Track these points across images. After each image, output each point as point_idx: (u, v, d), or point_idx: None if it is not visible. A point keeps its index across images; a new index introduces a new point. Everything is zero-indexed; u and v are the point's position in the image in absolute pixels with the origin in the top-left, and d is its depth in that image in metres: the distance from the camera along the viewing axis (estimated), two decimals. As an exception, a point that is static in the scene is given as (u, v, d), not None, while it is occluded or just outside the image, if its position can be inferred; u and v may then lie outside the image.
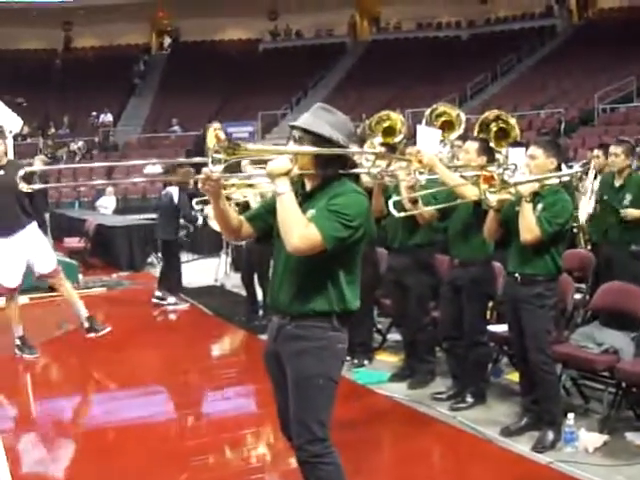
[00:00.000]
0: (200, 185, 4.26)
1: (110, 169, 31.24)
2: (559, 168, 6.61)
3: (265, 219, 4.53)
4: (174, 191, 12.73)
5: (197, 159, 4.60)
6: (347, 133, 4.41)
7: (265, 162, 4.27)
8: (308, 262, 4.22)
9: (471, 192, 6.99)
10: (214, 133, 4.09)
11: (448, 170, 7.24)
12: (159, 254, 15.45)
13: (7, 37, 43.85)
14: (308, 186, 4.44)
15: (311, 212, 4.24)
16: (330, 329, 4.36)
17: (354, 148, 4.95)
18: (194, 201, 12.26)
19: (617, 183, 8.52)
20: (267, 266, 10.57)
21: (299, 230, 4.10)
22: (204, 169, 4.15)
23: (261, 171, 4.45)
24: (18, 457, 6.63)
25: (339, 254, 4.24)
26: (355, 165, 4.54)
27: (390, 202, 7.58)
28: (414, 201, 7.49)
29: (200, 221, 13.23)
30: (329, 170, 4.34)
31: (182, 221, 13.43)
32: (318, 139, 4.29)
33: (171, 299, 13.03)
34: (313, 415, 4.34)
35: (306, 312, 4.34)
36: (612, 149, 8.61)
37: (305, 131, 4.33)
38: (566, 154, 10.10)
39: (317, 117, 4.36)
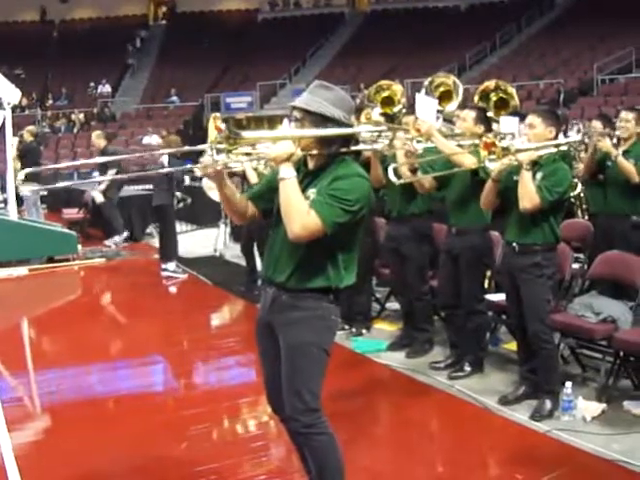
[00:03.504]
0: (201, 173, 4.28)
1: (108, 139, 31.13)
2: (557, 138, 6.61)
3: (269, 197, 4.49)
4: (164, 158, 12.80)
5: (201, 147, 4.60)
6: (347, 109, 4.38)
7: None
8: (308, 241, 4.21)
9: (468, 160, 7.00)
10: (214, 124, 4.08)
11: (445, 139, 7.24)
12: (157, 224, 15.46)
13: (4, 9, 43.68)
14: (311, 165, 4.41)
15: (312, 191, 4.23)
16: (326, 301, 4.37)
17: (355, 123, 4.93)
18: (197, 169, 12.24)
19: (621, 150, 8.40)
20: (267, 236, 10.60)
21: (300, 218, 4.08)
22: (201, 159, 4.16)
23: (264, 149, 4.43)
24: (17, 426, 6.65)
25: (338, 234, 4.22)
26: (358, 141, 4.53)
27: (390, 169, 7.59)
28: (413, 170, 7.51)
29: (187, 182, 13.21)
30: (332, 148, 4.32)
31: (179, 194, 13.45)
32: (319, 118, 4.26)
33: (170, 265, 13.04)
34: (306, 385, 4.35)
35: (303, 288, 4.34)
36: (623, 115, 8.50)
37: (306, 111, 4.29)
38: (564, 124, 10.01)
39: (316, 95, 4.32)
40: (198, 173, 11.82)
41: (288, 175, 4.13)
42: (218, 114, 4.18)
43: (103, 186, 15.73)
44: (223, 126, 4.04)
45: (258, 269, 11.40)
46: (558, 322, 6.89)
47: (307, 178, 4.32)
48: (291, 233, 4.13)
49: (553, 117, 6.57)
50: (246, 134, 4.14)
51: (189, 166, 4.16)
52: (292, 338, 4.36)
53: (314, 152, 4.33)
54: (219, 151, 4.09)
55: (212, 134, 4.07)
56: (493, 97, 8.68)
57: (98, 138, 16.42)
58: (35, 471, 5.74)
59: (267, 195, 4.52)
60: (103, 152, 15.65)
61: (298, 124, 4.32)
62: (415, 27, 39.95)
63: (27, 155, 16.49)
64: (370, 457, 5.74)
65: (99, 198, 15.67)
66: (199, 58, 40.46)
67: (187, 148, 12.61)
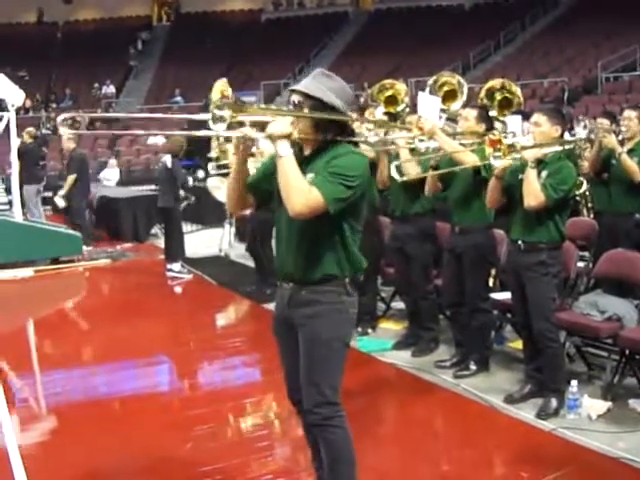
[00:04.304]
0: (235, 145, 4.30)
1: (113, 140, 31.20)
2: (563, 136, 6.60)
3: (264, 186, 4.49)
4: (167, 159, 12.85)
5: (202, 116, 4.56)
6: (347, 99, 4.39)
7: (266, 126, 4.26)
8: (313, 226, 4.21)
9: (470, 158, 7.00)
10: (220, 87, 4.07)
11: (448, 137, 7.24)
12: (162, 225, 15.49)
13: (8, 10, 43.69)
14: (306, 150, 4.42)
15: (310, 176, 4.23)
16: (344, 294, 4.39)
17: (354, 114, 4.94)
18: (210, 165, 12.20)
19: (625, 148, 8.40)
20: (268, 234, 10.64)
21: (301, 195, 4.08)
22: (243, 129, 4.15)
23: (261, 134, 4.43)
24: (24, 427, 6.66)
25: (342, 215, 4.24)
26: (354, 132, 4.54)
27: (392, 166, 7.60)
28: (435, 167, 7.50)
29: (191, 183, 13.17)
30: (328, 135, 4.33)
31: (182, 193, 13.44)
32: (318, 104, 4.27)
33: (176, 266, 13.05)
34: (326, 378, 4.37)
35: (319, 277, 4.35)
36: (626, 114, 8.50)
37: (305, 96, 4.30)
38: (570, 123, 9.97)
39: (318, 82, 4.33)
40: (232, 146, 11.76)
41: (285, 152, 4.13)
42: (225, 79, 4.18)
43: (63, 191, 15.69)
44: (230, 92, 4.03)
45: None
46: (563, 320, 6.88)
47: (303, 164, 4.29)
48: (292, 210, 4.12)
49: (559, 116, 6.57)
50: (250, 104, 4.16)
51: (217, 132, 4.14)
52: (312, 332, 4.36)
53: (310, 137, 4.33)
54: (216, 119, 4.08)
55: (216, 95, 4.05)
56: (498, 96, 8.69)
57: (68, 141, 16.39)
58: (41, 471, 5.75)
59: (262, 183, 4.53)
60: (71, 155, 15.59)
61: (297, 108, 4.34)
62: (419, 26, 39.95)
63: (24, 156, 16.47)
64: (376, 456, 5.74)
65: (61, 203, 15.61)
66: (203, 58, 40.45)
67: (188, 117, 12.58)
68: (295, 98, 4.35)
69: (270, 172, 4.36)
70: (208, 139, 9.42)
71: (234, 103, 4.08)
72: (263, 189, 4.52)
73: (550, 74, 31.42)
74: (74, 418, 6.97)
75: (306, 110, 4.29)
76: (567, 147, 6.70)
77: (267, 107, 4.49)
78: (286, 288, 4.50)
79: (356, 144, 4.52)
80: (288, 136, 4.14)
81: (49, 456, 6.13)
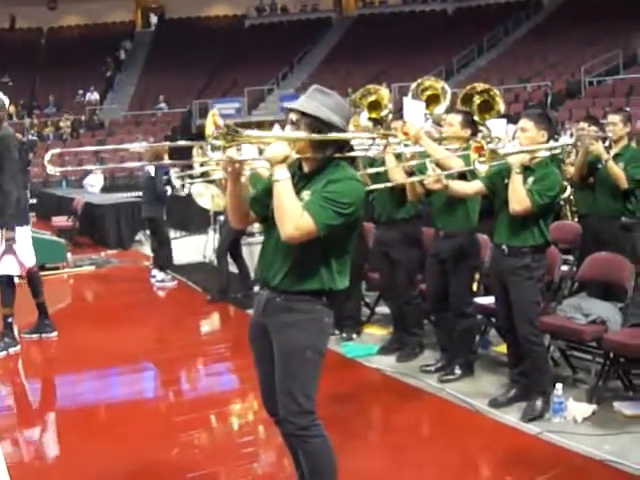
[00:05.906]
0: (222, 167, 4.30)
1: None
2: (549, 141, 6.60)
3: (264, 201, 4.45)
4: (151, 168, 12.79)
5: (193, 142, 4.60)
6: (344, 115, 4.39)
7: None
8: (300, 244, 4.20)
9: (456, 163, 7.00)
10: (212, 119, 4.09)
11: (434, 142, 7.25)
12: (147, 232, 15.46)
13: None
14: (306, 168, 4.42)
15: (306, 193, 4.24)
16: (319, 303, 4.37)
17: (350, 130, 4.95)
18: (172, 173, 12.15)
19: (612, 153, 8.39)
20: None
21: (294, 220, 4.08)
22: (228, 152, 4.15)
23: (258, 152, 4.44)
24: (8, 436, 6.63)
25: (332, 237, 4.22)
26: (352, 148, 4.53)
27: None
28: (411, 173, 7.50)
29: (169, 193, 13.07)
30: (326, 153, 4.32)
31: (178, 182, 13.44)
32: (315, 122, 4.27)
33: (159, 275, 13.04)
34: (300, 387, 4.35)
35: (296, 290, 4.35)
36: (610, 118, 8.51)
37: (302, 114, 4.30)
38: (557, 128, 9.97)
39: (314, 99, 4.33)
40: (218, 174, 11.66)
41: (282, 177, 4.13)
42: (216, 110, 4.21)
43: None
44: (222, 122, 4.04)
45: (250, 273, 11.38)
46: (547, 324, 6.89)
47: (302, 181, 4.33)
48: (284, 234, 4.14)
49: (545, 121, 6.56)
50: (243, 132, 4.15)
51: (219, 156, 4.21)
52: (286, 341, 4.36)
53: (308, 155, 4.33)
54: (214, 148, 4.09)
55: (209, 129, 4.07)
56: (477, 100, 8.70)
57: None
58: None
59: (262, 198, 4.49)
60: None
61: (294, 127, 4.33)
62: (402, 31, 39.95)
63: None
64: (361, 461, 5.73)
65: None
66: (187, 64, 40.38)
67: (183, 143, 12.47)
68: (292, 117, 4.34)
69: (270, 187, 4.34)
70: (189, 148, 9.43)
71: (229, 133, 4.07)
72: (262, 206, 4.49)
73: (533, 78, 31.54)
74: (59, 425, 6.97)
75: (303, 128, 4.28)
76: (553, 152, 6.70)
77: (262, 134, 4.48)
78: (263, 295, 4.52)
79: (354, 159, 4.52)
80: (285, 159, 4.14)
81: (34, 464, 6.11)
